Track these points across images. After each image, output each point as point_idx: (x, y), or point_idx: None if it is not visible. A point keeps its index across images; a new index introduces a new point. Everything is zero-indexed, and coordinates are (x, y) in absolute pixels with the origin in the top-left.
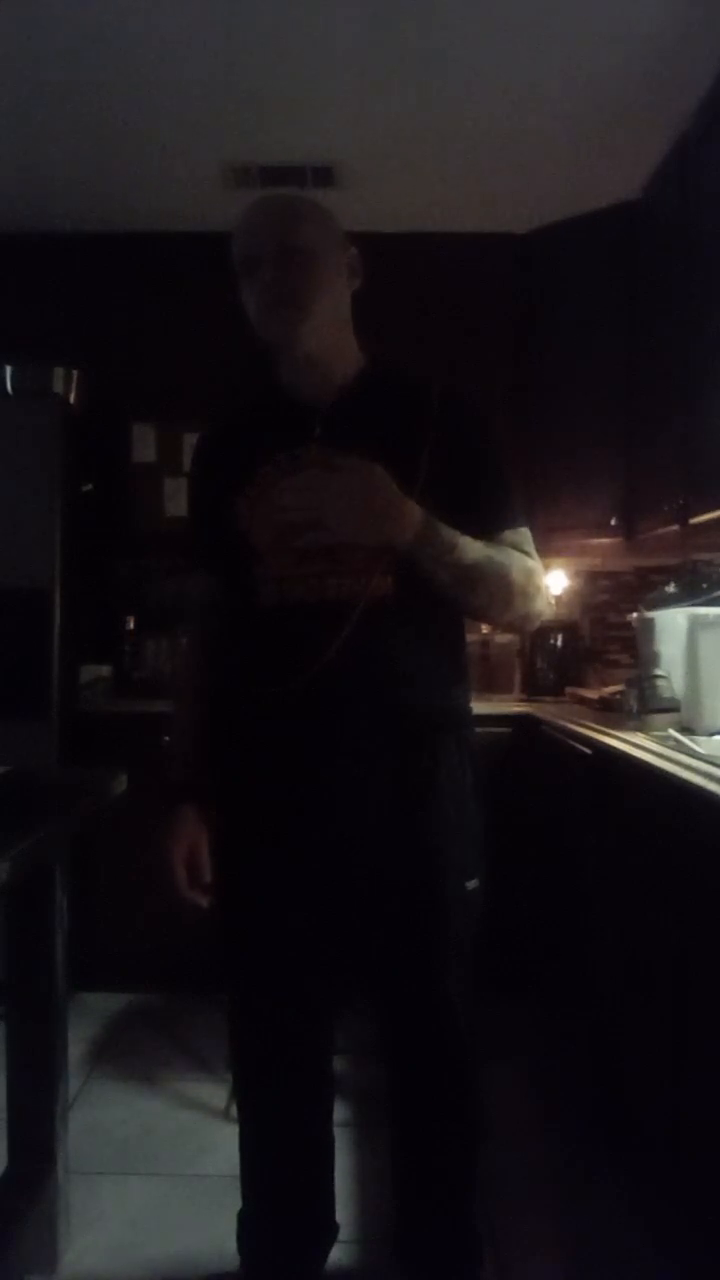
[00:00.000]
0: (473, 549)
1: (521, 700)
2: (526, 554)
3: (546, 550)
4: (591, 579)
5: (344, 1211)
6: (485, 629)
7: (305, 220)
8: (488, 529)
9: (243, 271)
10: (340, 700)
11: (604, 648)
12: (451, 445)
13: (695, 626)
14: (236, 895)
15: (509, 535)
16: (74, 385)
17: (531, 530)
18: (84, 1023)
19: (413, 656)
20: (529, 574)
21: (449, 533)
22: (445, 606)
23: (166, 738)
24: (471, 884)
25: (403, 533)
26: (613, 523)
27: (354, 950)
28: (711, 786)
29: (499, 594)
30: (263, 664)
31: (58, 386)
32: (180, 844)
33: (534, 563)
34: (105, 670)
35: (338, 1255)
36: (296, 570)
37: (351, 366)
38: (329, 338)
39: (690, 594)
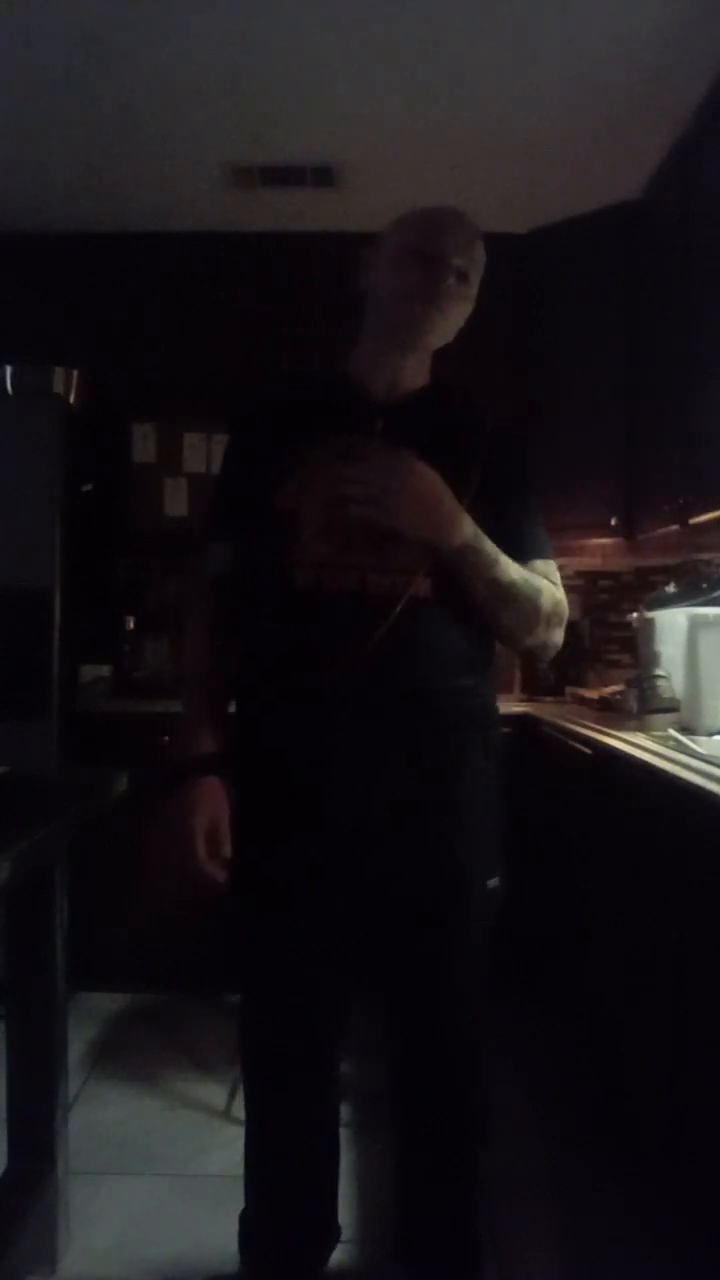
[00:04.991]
0: (512, 569)
1: (521, 700)
2: (555, 584)
3: None
4: (591, 579)
5: (343, 1211)
6: None
7: (481, 249)
8: (522, 556)
9: (409, 258)
10: (374, 695)
11: (604, 648)
12: (499, 471)
13: (695, 626)
14: (256, 885)
15: (540, 565)
16: (74, 385)
17: None
18: (84, 1023)
19: (447, 657)
20: (556, 603)
21: (493, 548)
22: (478, 613)
23: (167, 738)
24: (492, 882)
25: (455, 536)
26: (613, 523)
27: (370, 945)
28: (711, 786)
29: (527, 617)
30: (296, 650)
31: (58, 386)
32: (202, 815)
33: (561, 594)
34: (105, 670)
35: (337, 1255)
36: (339, 559)
37: (421, 379)
38: (430, 350)
39: (690, 594)
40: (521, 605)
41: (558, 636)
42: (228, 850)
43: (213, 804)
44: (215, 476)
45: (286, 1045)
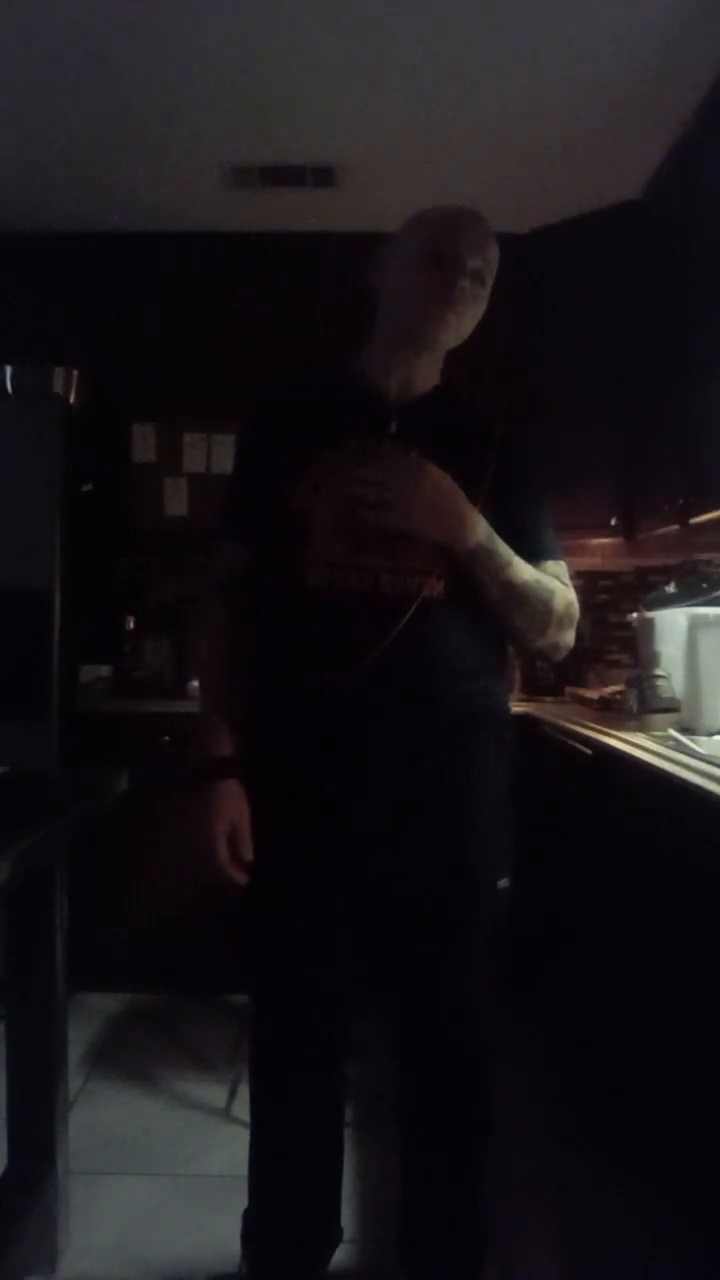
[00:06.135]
0: (524, 570)
1: (522, 700)
2: (566, 585)
3: None
4: (591, 579)
5: (345, 1212)
6: None
7: (495, 250)
8: (534, 557)
9: (425, 258)
10: (387, 696)
11: (604, 648)
12: (511, 473)
13: (695, 626)
14: (272, 887)
15: (552, 566)
16: (74, 385)
17: None
18: (84, 1023)
19: (459, 658)
20: (568, 605)
21: (506, 550)
22: (491, 614)
23: (167, 737)
24: (503, 883)
25: (469, 539)
26: (613, 523)
27: (382, 946)
28: (711, 786)
29: (539, 618)
30: (308, 651)
31: (58, 386)
32: (223, 819)
33: (572, 595)
34: (105, 670)
35: (338, 1255)
36: (352, 560)
37: (432, 380)
38: (443, 351)
39: (690, 594)
40: (534, 606)
41: (569, 638)
42: (248, 853)
43: (233, 807)
44: (216, 476)
45: (297, 1046)
